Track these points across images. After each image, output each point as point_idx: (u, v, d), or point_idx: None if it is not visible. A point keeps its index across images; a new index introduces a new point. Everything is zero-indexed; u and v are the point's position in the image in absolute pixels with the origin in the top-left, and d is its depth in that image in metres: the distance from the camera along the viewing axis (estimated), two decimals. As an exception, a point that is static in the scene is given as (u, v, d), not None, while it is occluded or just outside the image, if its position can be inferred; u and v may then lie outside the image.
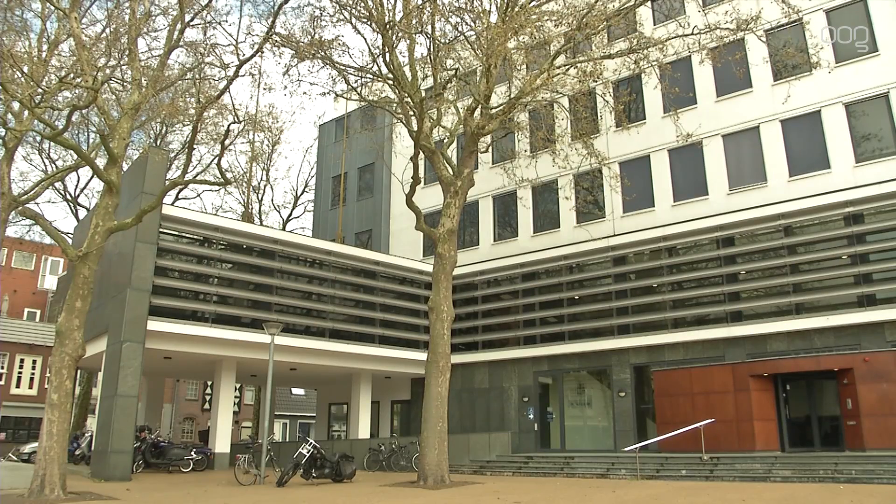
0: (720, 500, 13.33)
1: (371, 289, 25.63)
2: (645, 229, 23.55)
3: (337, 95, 21.84)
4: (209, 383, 41.54)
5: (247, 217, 36.91)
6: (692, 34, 18.90)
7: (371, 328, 25.19)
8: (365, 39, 20.28)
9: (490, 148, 24.46)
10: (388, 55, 18.66)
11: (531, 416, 25.02)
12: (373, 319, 25.32)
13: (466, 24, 20.18)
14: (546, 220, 26.61)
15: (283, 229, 36.60)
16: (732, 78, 22.17)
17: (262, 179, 41.27)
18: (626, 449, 20.12)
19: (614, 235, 24.21)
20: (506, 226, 27.80)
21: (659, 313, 22.81)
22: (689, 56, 22.73)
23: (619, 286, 23.84)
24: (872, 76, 20.75)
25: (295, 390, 51.45)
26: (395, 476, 20.58)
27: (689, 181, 23.46)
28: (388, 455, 23.54)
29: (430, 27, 19.56)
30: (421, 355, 24.40)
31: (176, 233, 21.61)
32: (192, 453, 22.32)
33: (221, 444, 23.15)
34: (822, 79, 21.31)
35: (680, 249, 23.09)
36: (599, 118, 24.49)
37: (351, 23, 18.96)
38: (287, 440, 49.40)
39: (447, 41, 20.56)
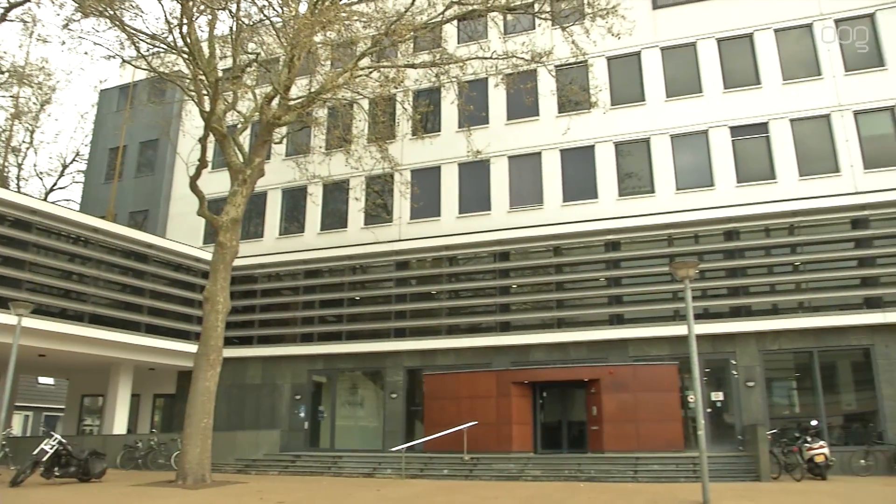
0: (475, 498, 14.12)
1: (141, 273, 23.85)
2: (429, 237, 24.37)
3: (124, 61, 20.16)
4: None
5: (0, 181, 32.72)
6: (491, 58, 19.98)
7: (138, 315, 23.43)
8: (162, 6, 19.01)
9: (285, 140, 23.95)
10: (185, 27, 17.60)
11: (302, 415, 24.77)
12: (140, 306, 23.57)
13: (274, 9, 19.65)
14: (334, 218, 26.56)
15: (45, 199, 32.92)
16: (522, 104, 23.71)
17: (24, 141, 36.69)
18: (393, 449, 20.64)
19: (399, 241, 24.78)
20: (293, 220, 27.33)
21: (435, 319, 23.72)
22: (487, 78, 23.93)
23: (399, 290, 24.45)
24: (640, 121, 23.33)
25: (42, 379, 46.27)
26: (151, 475, 19.30)
27: (475, 196, 24.66)
28: (146, 452, 22.06)
29: (234, 5, 18.76)
30: (191, 347, 23.18)
31: None
32: None
33: (-59, 436, 20.26)
34: (597, 118, 23.48)
35: (460, 259, 24.21)
36: (397, 124, 25.01)
37: (148, -15, 17.66)
38: (29, 435, 44.31)
39: (252, 23, 19.84)
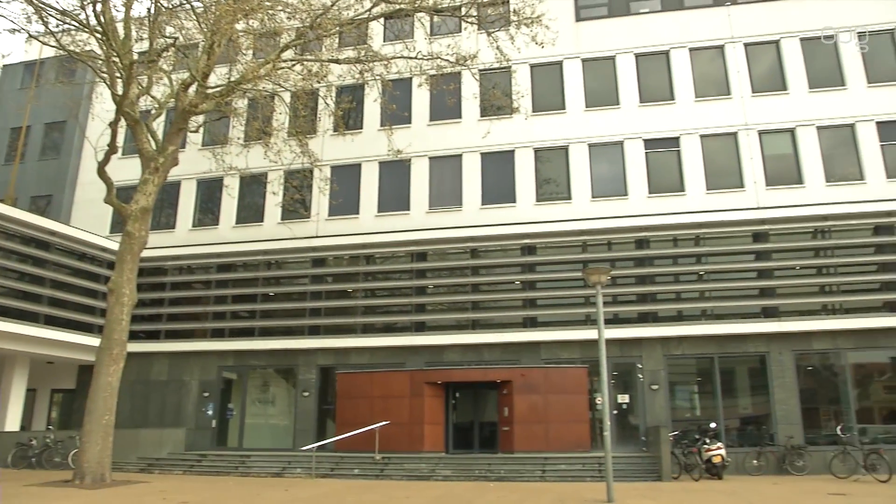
0: (386, 497, 14.10)
1: (42, 261, 22.65)
2: (347, 235, 24.18)
3: (31, 36, 19.07)
4: None
5: None
6: (416, 58, 20.00)
7: (37, 306, 22.23)
8: (74, -19, 18.10)
9: (201, 129, 23.27)
10: (99, 5, 16.86)
11: (210, 413, 24.08)
12: (39, 296, 22.38)
13: (195, -8, 19.06)
14: (250, 212, 25.96)
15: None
16: (445, 106, 23.86)
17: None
18: (304, 448, 20.35)
19: (317, 237, 24.47)
20: (207, 212, 26.56)
21: (350, 317, 23.54)
22: (411, 78, 23.94)
23: (315, 287, 24.16)
24: (560, 129, 23.87)
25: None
26: (46, 475, 18.33)
27: (394, 195, 24.61)
28: (41, 451, 20.98)
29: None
30: (94, 340, 22.18)
31: None
32: None
33: None
34: (518, 123, 23.85)
35: (377, 258, 24.13)
36: (318, 119, 24.69)
37: (59, -40, 16.80)
38: None
39: (171, 6, 19.18)
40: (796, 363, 20.85)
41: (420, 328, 23.09)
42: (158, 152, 18.35)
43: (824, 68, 23.01)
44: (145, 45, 19.33)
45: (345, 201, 24.45)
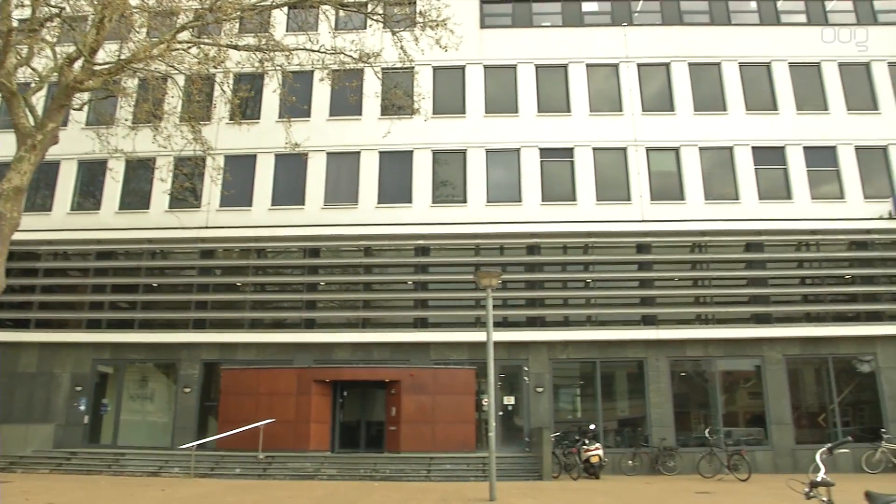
0: (267, 497, 13.82)
1: None
2: (238, 227, 23.52)
3: None
4: None
5: None
6: (319, 51, 19.68)
7: None
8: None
9: (86, 107, 21.98)
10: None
11: (82, 408, 22.73)
12: None
13: (85, -38, 17.97)
14: (135, 198, 24.76)
15: None
16: (346, 102, 23.56)
17: None
18: (183, 447, 19.62)
19: (206, 228, 23.65)
20: (88, 196, 25.10)
21: (238, 312, 22.89)
22: (313, 71, 23.48)
23: (202, 279, 23.32)
24: (459, 132, 24.16)
25: None
26: None
27: (290, 189, 24.14)
28: None
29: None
30: (-49, 327, 20.52)
31: None
32: None
33: None
34: (418, 124, 23.95)
35: (269, 253, 23.61)
36: (213, 106, 23.83)
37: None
38: None
39: (57, -26, 18.01)
40: (671, 369, 22.04)
41: (310, 325, 22.75)
42: (37, 129, 17.14)
43: (708, 93, 24.45)
44: (27, 13, 18.08)
45: (237, 192, 23.73)
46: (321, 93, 24.41)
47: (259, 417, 19.88)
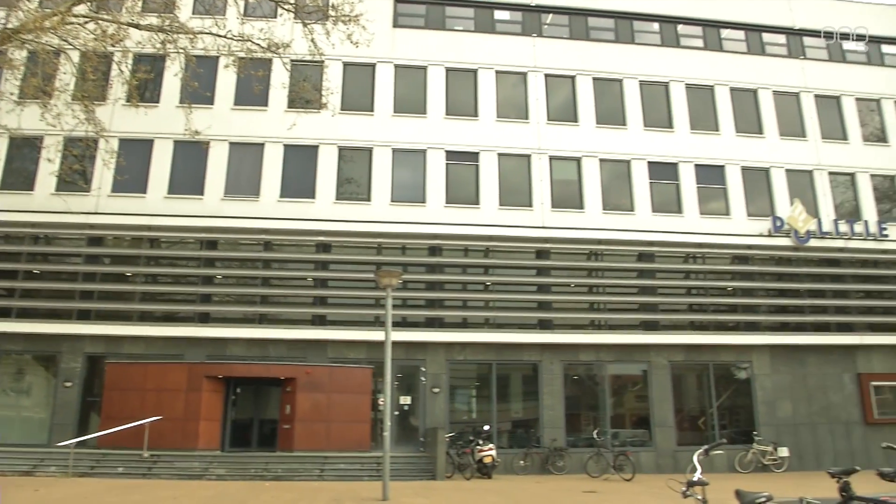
0: (150, 498, 13.30)
1: None
2: (131, 214, 22.46)
3: None
4: None
5: None
6: (226, 37, 19.06)
7: None
8: None
9: (-35, 79, 20.46)
10: None
11: (-54, 400, 21.13)
12: None
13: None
14: (18, 178, 23.17)
15: None
16: (251, 92, 22.90)
17: None
18: (61, 444, 18.55)
19: (96, 213, 22.46)
20: (-37, 174, 23.33)
21: (127, 303, 21.86)
22: (218, 58, 22.69)
23: (88, 268, 22.12)
24: (366, 130, 24.01)
25: None
26: None
27: (188, 177, 23.26)
28: None
29: None
30: None
31: None
32: None
33: None
34: (325, 119, 23.61)
35: (163, 242, 22.69)
36: (109, 86, 22.65)
37: None
38: None
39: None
40: (564, 372, 22.72)
41: (204, 319, 22.01)
42: None
43: (610, 108, 25.38)
44: None
45: (132, 178, 22.57)
46: (226, 80, 23.67)
47: (145, 414, 19.06)
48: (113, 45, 18.42)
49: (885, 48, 28.47)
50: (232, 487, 15.60)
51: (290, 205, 23.07)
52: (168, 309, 22.17)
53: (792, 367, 23.86)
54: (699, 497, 5.49)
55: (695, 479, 5.49)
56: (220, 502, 13.00)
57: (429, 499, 14.17)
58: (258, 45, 19.20)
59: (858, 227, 25.14)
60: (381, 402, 20.65)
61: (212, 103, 23.63)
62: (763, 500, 5.47)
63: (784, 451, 22.20)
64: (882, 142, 27.02)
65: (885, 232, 25.28)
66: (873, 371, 24.19)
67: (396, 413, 21.73)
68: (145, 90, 23.19)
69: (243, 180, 23.44)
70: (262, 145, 23.72)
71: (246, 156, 23.67)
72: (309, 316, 22.29)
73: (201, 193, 23.08)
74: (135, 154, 22.84)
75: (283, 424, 20.50)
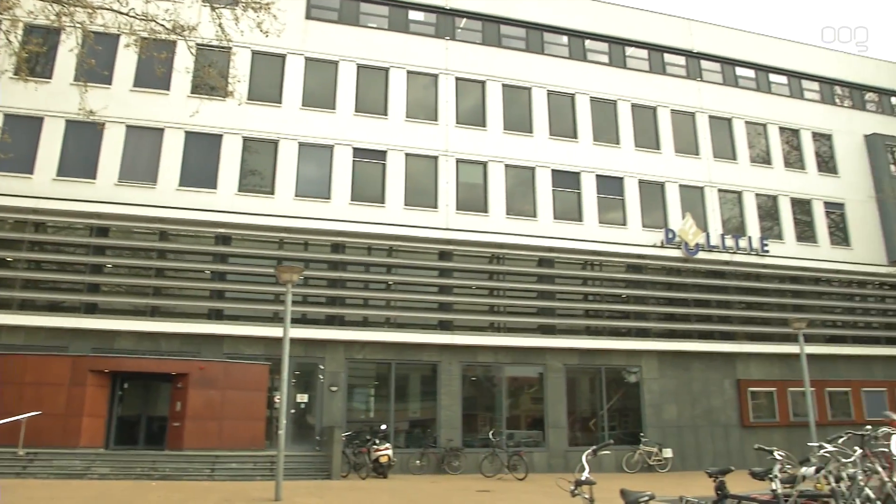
0: (25, 499, 12.58)
1: None
2: (16, 196, 21.08)
3: None
4: None
5: None
6: (128, 15, 18.20)
7: None
8: None
9: None
10: None
11: None
12: None
13: None
14: None
15: None
16: (153, 74, 21.97)
17: None
18: (-77, 438, 17.20)
19: (-26, 193, 20.97)
20: None
21: (6, 290, 20.48)
22: (119, 36, 21.61)
23: (-37, 251, 20.64)
24: (273, 121, 23.50)
25: None
26: None
27: (80, 159, 22.02)
28: None
29: None
30: None
31: None
32: None
33: None
34: (231, 108, 22.89)
35: (49, 227, 21.42)
36: (-5, 58, 21.20)
37: None
38: None
39: None
40: (463, 373, 23.02)
41: (91, 310, 20.90)
42: None
43: (518, 114, 25.91)
44: None
45: (18, 157, 21.02)
46: (126, 60, 22.54)
47: (23, 410, 17.87)
48: (1, 13, 17.28)
49: (773, 77, 30.41)
50: (116, 487, 14.93)
51: (190, 194, 22.28)
52: (52, 298, 20.93)
53: (677, 373, 25.10)
54: (586, 496, 5.66)
55: (583, 478, 5.66)
56: (102, 503, 12.40)
57: (322, 498, 14.05)
58: (162, 25, 18.43)
59: (743, 243, 26.77)
60: (278, 400, 20.24)
61: (110, 83, 22.50)
62: (646, 499, 5.70)
63: (668, 452, 23.34)
64: (766, 164, 28.87)
65: (766, 248, 27.04)
66: (751, 377, 25.82)
67: (293, 411, 21.37)
68: (36, 64, 21.82)
69: (140, 166, 22.44)
70: (161, 130, 22.79)
71: (144, 140, 22.68)
72: (205, 310, 21.60)
73: (94, 177, 21.92)
74: (22, 131, 21.48)
75: (173, 422, 19.76)
